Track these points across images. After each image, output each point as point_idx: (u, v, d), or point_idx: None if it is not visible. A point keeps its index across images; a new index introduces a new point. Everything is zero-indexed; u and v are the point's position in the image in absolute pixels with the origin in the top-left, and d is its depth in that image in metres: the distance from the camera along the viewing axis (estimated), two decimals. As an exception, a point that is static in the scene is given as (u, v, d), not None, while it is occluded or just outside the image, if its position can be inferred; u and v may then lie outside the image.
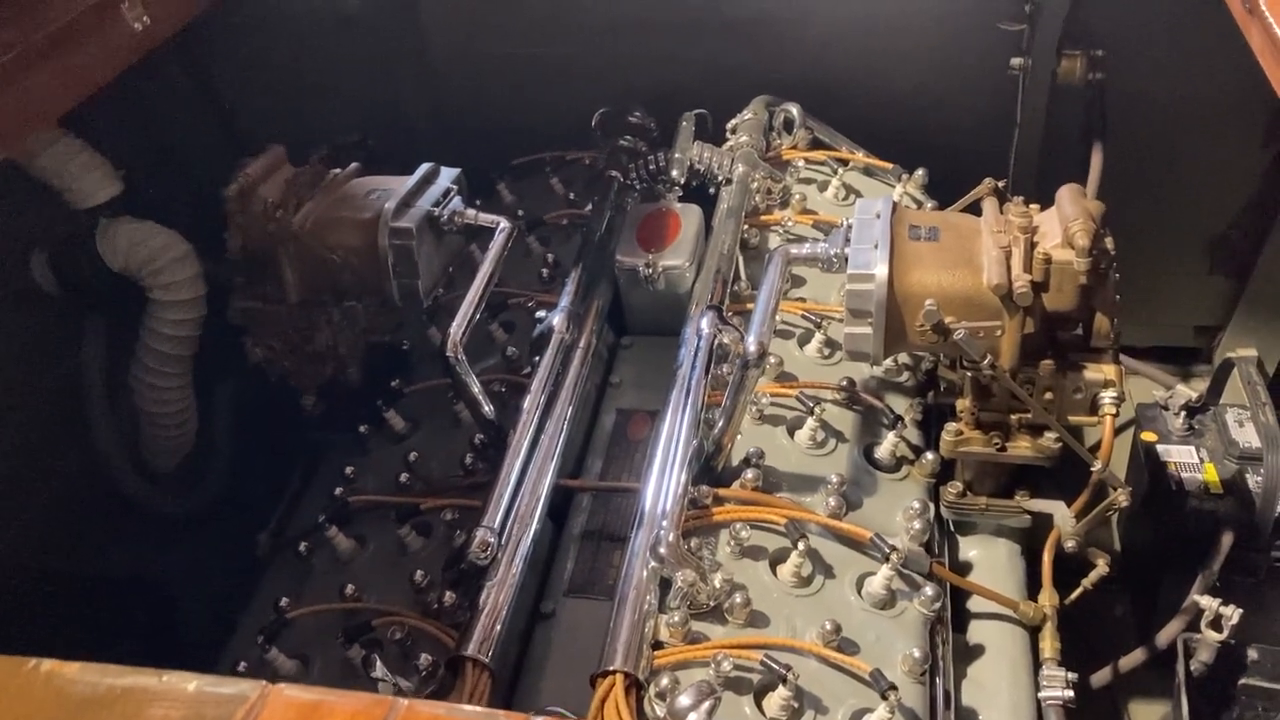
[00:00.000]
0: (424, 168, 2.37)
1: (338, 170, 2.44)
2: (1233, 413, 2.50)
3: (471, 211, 2.33)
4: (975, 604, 2.06)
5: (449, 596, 1.85)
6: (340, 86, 3.15)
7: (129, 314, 2.53)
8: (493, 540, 1.84)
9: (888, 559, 1.82)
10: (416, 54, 3.24)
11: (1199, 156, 2.98)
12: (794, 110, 2.80)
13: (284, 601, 2.02)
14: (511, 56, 3.14)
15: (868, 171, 2.79)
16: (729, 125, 2.78)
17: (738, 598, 1.72)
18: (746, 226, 2.53)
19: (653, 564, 1.72)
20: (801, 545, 1.80)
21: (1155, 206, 2.99)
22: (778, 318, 2.28)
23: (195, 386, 2.67)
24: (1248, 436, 2.42)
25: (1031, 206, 1.96)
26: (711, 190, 2.64)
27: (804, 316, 2.34)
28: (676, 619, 1.68)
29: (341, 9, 3.05)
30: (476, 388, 2.09)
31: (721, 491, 1.93)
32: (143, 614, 2.62)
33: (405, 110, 3.28)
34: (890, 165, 2.79)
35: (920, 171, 2.73)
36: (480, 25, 3.15)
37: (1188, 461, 2.42)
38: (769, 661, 1.62)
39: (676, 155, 2.61)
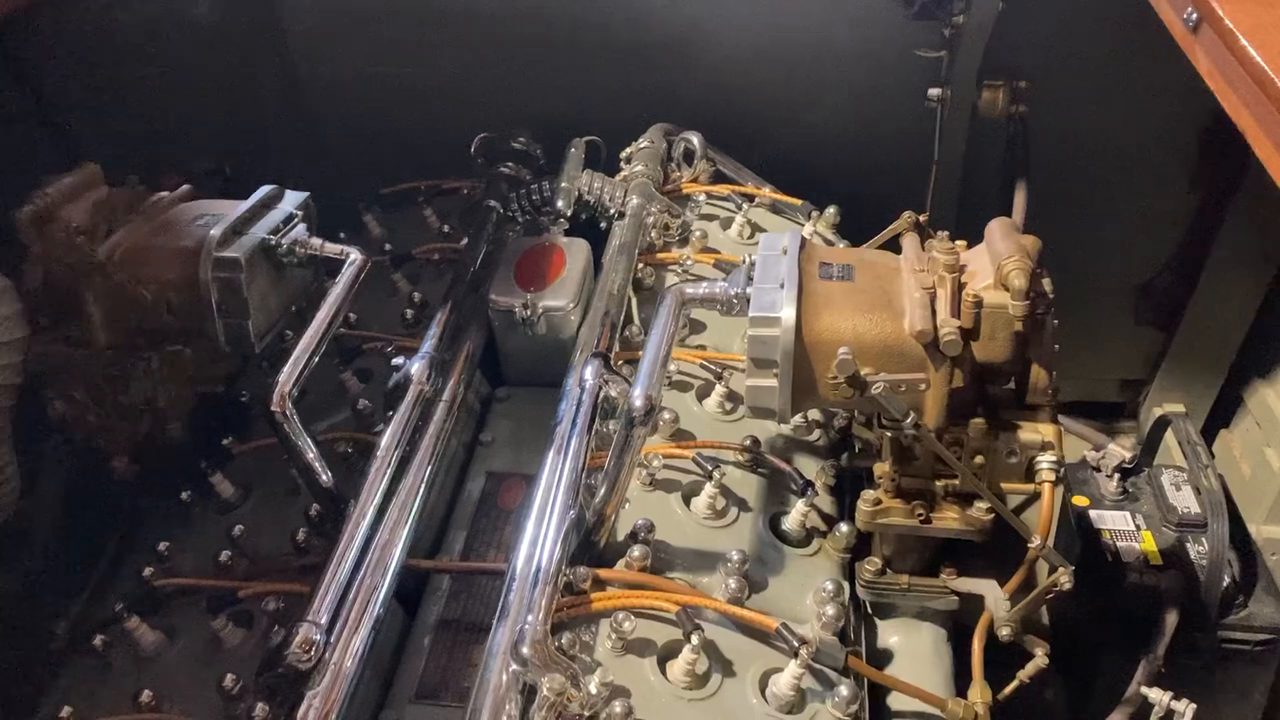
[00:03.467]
0: (263, 190, 2.06)
1: (164, 193, 2.10)
2: (1169, 475, 2.33)
3: (317, 241, 2.02)
4: (896, 700, 1.79)
5: (261, 709, 1.51)
6: (195, 107, 2.85)
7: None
8: (318, 638, 1.51)
9: (797, 654, 1.56)
10: (280, 72, 2.99)
11: (1125, 199, 2.87)
12: (695, 140, 2.60)
13: (66, 711, 1.67)
14: (385, 76, 2.91)
15: (775, 208, 2.60)
16: (623, 154, 2.57)
17: (617, 706, 1.45)
18: (640, 265, 2.29)
19: (514, 667, 1.44)
20: (696, 638, 1.53)
21: (1078, 251, 2.84)
22: (673, 367, 2.05)
23: (16, 443, 2.30)
24: (1186, 501, 2.26)
25: (958, 243, 1.73)
26: (602, 225, 2.42)
27: (703, 366, 2.08)
28: (541, 735, 1.39)
29: (195, 21, 2.75)
30: (311, 449, 1.77)
31: (603, 573, 1.65)
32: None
33: (268, 134, 3.00)
34: (799, 201, 2.60)
35: (831, 209, 2.55)
36: (351, 41, 2.91)
37: (1123, 529, 2.23)
38: (654, 791, 1.33)
39: (563, 184, 2.40)
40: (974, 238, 1.78)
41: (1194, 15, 1.72)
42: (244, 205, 2.01)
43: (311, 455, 1.79)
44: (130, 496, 2.18)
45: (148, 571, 1.91)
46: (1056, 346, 1.67)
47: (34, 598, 2.26)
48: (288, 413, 1.72)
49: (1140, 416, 3.22)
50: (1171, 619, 2.02)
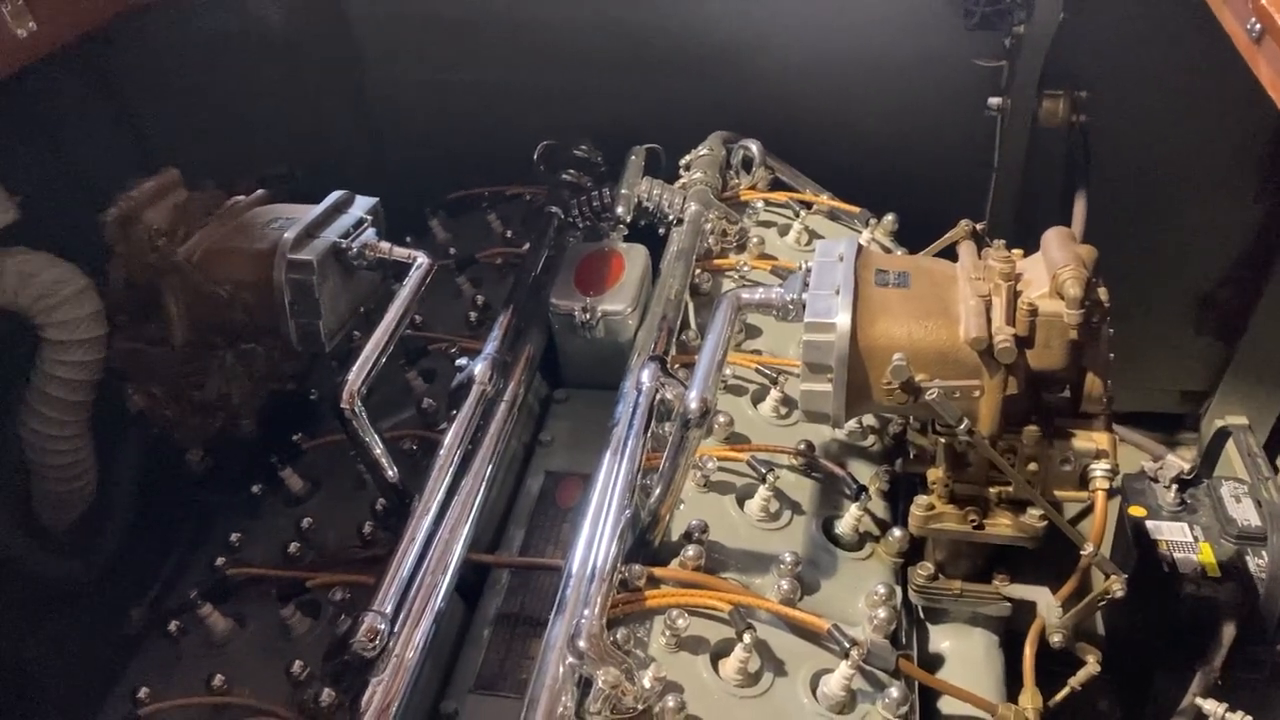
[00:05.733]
0: (335, 195, 2.12)
1: (240, 197, 2.18)
2: (1228, 486, 2.30)
3: (385, 245, 2.08)
4: (947, 704, 1.80)
5: (327, 694, 1.56)
6: (268, 114, 2.94)
7: (18, 355, 2.25)
8: (382, 627, 1.56)
9: (848, 655, 1.57)
10: (351, 82, 3.06)
11: (1187, 209, 2.83)
12: (754, 148, 2.62)
13: (143, 693, 1.74)
14: (452, 86, 2.98)
15: (833, 215, 2.62)
16: (683, 161, 2.61)
17: (670, 701, 1.48)
18: (698, 270, 2.32)
19: (570, 660, 1.47)
20: (748, 637, 1.56)
21: (1140, 262, 2.81)
22: (729, 371, 2.08)
23: (95, 435, 2.38)
24: (1246, 513, 2.22)
25: (1014, 252, 1.74)
26: (661, 231, 2.44)
27: (759, 370, 2.11)
28: (596, 728, 1.43)
29: (268, 32, 2.83)
30: (378, 446, 1.83)
31: (657, 571, 1.68)
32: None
33: (338, 141, 3.08)
34: (857, 209, 2.61)
35: (890, 216, 2.56)
36: (419, 52, 2.98)
37: (1181, 540, 2.20)
38: (704, 784, 1.36)
39: (623, 191, 2.43)
40: (1033, 247, 1.79)
41: (1257, 26, 1.71)
42: (316, 210, 2.07)
43: (378, 452, 1.84)
44: (203, 489, 2.26)
45: (220, 561, 1.98)
46: (1111, 355, 1.67)
47: (111, 584, 2.35)
48: (356, 410, 1.78)
49: (1201, 428, 3.17)
50: (1229, 631, 2.00)
